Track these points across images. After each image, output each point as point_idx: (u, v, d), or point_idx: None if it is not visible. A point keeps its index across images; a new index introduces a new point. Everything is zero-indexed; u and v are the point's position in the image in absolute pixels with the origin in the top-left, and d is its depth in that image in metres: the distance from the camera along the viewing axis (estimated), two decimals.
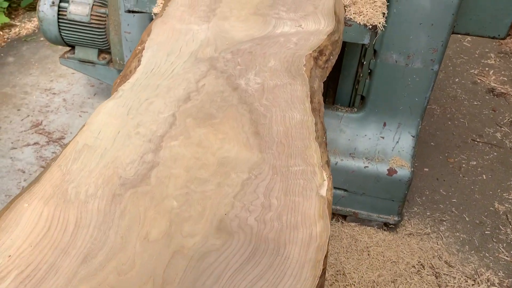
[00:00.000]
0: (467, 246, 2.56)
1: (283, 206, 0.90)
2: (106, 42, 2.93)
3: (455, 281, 2.36)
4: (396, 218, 2.55)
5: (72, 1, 2.86)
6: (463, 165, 3.12)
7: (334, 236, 2.56)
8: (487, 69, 4.20)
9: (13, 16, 4.71)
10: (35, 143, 3.18)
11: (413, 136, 2.42)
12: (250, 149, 1.03)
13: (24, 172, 2.94)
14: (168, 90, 1.19)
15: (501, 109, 3.70)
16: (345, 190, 2.52)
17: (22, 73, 3.88)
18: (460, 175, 3.04)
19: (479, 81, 4.04)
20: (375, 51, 2.27)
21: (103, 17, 2.85)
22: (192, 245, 0.82)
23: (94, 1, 2.85)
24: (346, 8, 1.83)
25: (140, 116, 1.10)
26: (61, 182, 0.93)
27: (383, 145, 2.44)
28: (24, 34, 4.46)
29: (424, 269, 2.41)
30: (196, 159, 1.00)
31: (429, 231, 2.64)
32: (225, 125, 1.09)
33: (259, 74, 1.28)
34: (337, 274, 2.36)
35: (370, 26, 1.74)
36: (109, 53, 3.03)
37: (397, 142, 2.43)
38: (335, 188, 2.48)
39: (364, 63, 2.36)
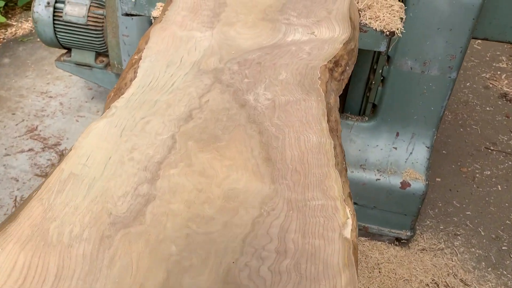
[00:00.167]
0: (483, 263, 2.43)
1: (301, 252, 0.77)
2: (104, 44, 2.79)
3: None
4: (408, 233, 2.41)
5: (68, 2, 2.72)
6: (477, 175, 2.98)
7: None
8: (499, 72, 4.06)
9: (9, 16, 4.58)
10: (30, 150, 3.05)
11: (428, 147, 2.28)
12: (261, 179, 0.89)
13: (17, 180, 2.81)
14: (167, 107, 1.06)
15: None
16: (355, 204, 2.38)
17: (17, 75, 3.74)
18: (474, 186, 2.90)
19: (491, 85, 3.90)
20: (388, 57, 2.13)
21: (100, 18, 2.72)
22: None
23: (91, 2, 2.72)
24: (360, 12, 1.69)
25: (134, 139, 0.97)
26: (41, 220, 0.79)
27: (396, 157, 2.30)
28: (21, 34, 4.33)
29: None
30: (199, 191, 0.86)
31: (443, 246, 2.50)
32: (232, 149, 0.96)
33: (269, 88, 1.14)
34: None
35: (388, 33, 1.61)
36: (107, 56, 2.90)
37: (411, 153, 2.29)
38: None
39: (377, 69, 2.22)
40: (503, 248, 2.51)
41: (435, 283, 2.30)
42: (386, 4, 1.69)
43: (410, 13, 1.93)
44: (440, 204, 2.76)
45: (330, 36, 1.36)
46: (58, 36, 2.82)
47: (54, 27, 2.77)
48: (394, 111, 2.25)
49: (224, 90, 1.13)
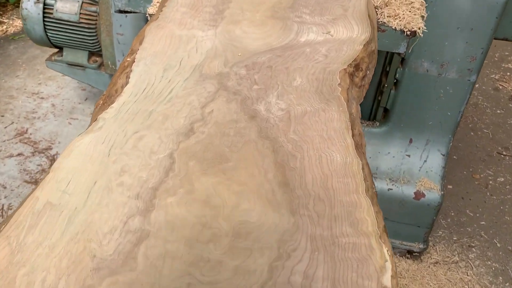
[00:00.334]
0: (500, 278, 2.28)
1: None
2: (97, 43, 2.63)
3: None
4: (421, 246, 2.27)
5: None
6: (490, 182, 2.84)
7: None
8: (508, 74, 3.92)
9: (0, 13, 4.40)
10: (19, 154, 2.88)
11: (443, 155, 2.13)
12: (277, 209, 0.74)
13: (5, 187, 2.65)
14: (165, 120, 0.90)
15: None
16: None
17: (8, 75, 3.58)
18: (488, 194, 2.76)
19: (500, 87, 3.75)
20: (402, 59, 1.98)
21: (93, 16, 2.55)
22: None
23: None
24: (377, 10, 1.54)
25: (125, 158, 0.81)
26: (7, 266, 0.64)
27: (409, 165, 2.15)
28: (12, 32, 4.16)
29: None
30: (203, 226, 0.71)
31: (457, 259, 2.36)
32: (241, 172, 0.80)
33: (282, 96, 0.99)
34: None
35: (408, 32, 1.45)
36: (101, 56, 2.73)
37: (425, 161, 2.14)
38: None
39: (390, 71, 2.07)
40: None
41: None
42: (406, 1, 1.53)
43: (428, 11, 1.78)
44: (453, 213, 2.62)
45: (348, 36, 1.21)
46: (49, 34, 2.65)
47: (44, 24, 2.61)
48: (407, 116, 2.10)
49: (231, 99, 0.97)
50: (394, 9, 1.49)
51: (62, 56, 2.81)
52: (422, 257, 2.35)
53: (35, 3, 2.57)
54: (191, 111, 0.93)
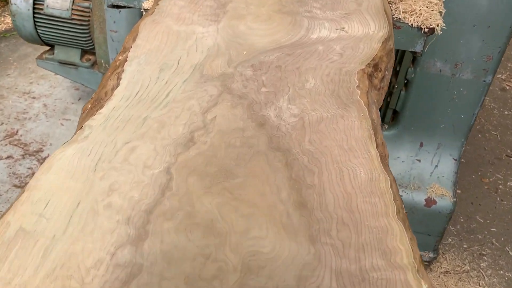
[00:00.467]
0: None
1: None
2: (90, 41, 2.50)
3: None
4: (431, 255, 2.16)
5: None
6: (500, 186, 2.73)
7: None
8: None
9: None
10: (9, 157, 2.76)
11: (456, 160, 2.02)
12: (294, 237, 0.62)
13: None
14: (161, 128, 0.78)
15: None
16: None
17: None
18: (498, 199, 2.65)
19: (507, 87, 3.65)
20: (414, 58, 1.87)
21: (86, 12, 2.43)
22: None
23: None
24: (391, 5, 1.42)
25: (114, 174, 0.69)
26: None
27: (420, 170, 2.04)
28: (3, 29, 4.02)
29: None
30: (206, 258, 0.59)
31: (468, 268, 2.25)
32: (250, 190, 0.68)
33: (294, 100, 0.87)
34: None
35: (426, 29, 1.34)
36: (94, 54, 2.60)
37: (436, 166, 2.03)
38: None
39: (400, 71, 1.95)
40: None
41: None
42: None
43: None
44: (462, 220, 2.51)
45: (365, 33, 1.09)
46: (39, 31, 2.53)
47: (34, 21, 2.48)
48: (418, 119, 1.99)
49: (236, 103, 0.85)
50: (410, 5, 1.37)
51: (53, 54, 2.68)
52: (431, 266, 2.24)
53: None
54: (191, 117, 0.81)
